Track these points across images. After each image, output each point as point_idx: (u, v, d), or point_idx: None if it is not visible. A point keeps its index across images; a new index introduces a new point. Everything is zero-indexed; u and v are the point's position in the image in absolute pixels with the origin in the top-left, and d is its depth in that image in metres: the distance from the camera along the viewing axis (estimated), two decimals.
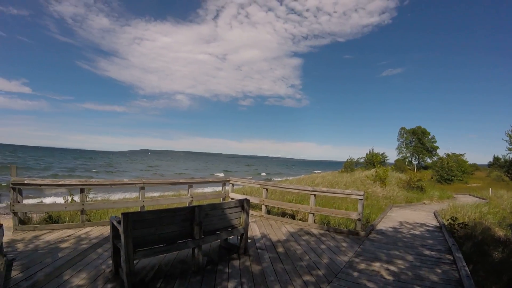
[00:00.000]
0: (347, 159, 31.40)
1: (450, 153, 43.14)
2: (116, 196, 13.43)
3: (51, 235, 5.58)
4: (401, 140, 62.10)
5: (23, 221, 5.96)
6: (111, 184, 6.83)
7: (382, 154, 35.25)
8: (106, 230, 5.94)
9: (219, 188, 9.66)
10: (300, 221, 7.87)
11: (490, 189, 22.29)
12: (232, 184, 9.55)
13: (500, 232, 9.06)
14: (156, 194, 13.53)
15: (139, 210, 6.90)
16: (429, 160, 58.48)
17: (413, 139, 59.98)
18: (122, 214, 3.31)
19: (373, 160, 32.06)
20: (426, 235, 7.47)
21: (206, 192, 13.33)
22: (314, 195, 7.50)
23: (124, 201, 7.61)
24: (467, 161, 43.49)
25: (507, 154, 40.19)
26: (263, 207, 8.33)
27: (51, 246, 4.98)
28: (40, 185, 6.15)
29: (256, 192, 11.33)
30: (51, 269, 3.97)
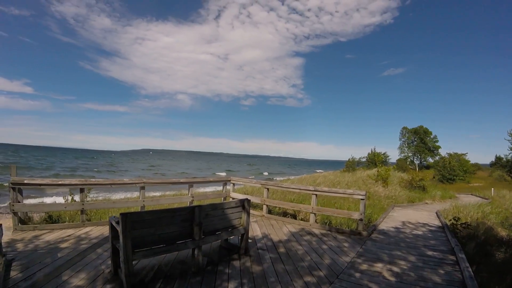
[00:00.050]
0: (349, 159, 31.29)
1: (452, 153, 43.04)
2: (118, 196, 13.45)
3: (51, 235, 5.56)
4: (403, 139, 61.99)
5: (23, 220, 5.95)
6: (111, 184, 6.80)
7: (384, 153, 35.12)
8: (106, 230, 5.91)
9: (220, 188, 9.63)
10: (301, 221, 7.82)
11: (493, 188, 22.17)
12: (233, 184, 9.51)
13: (503, 232, 8.99)
14: (157, 193, 13.49)
15: (139, 210, 6.88)
16: (431, 160, 58.36)
17: (415, 139, 59.82)
18: (120, 214, 3.28)
19: (375, 160, 32.03)
20: (429, 235, 7.41)
21: (207, 192, 13.30)
22: (316, 194, 7.45)
23: (124, 200, 7.58)
24: (469, 161, 43.38)
25: (509, 153, 40.13)
26: (264, 206, 8.29)
27: (50, 246, 4.96)
28: (40, 185, 6.13)
29: (257, 191, 11.29)
30: (50, 269, 3.94)
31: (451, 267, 4.93)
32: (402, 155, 60.50)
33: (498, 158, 46.77)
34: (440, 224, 8.93)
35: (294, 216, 8.59)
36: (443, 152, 53.58)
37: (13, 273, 3.77)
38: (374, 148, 35.30)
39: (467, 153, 43.68)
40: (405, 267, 4.79)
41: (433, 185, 23.12)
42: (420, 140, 58.89)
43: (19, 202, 5.76)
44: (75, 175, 38.46)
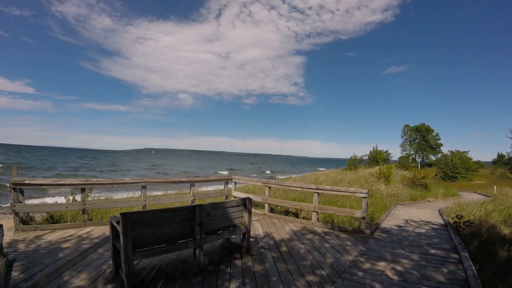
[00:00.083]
0: (351, 157, 31.21)
1: (454, 151, 42.87)
2: (120, 196, 13.47)
3: (53, 235, 5.55)
4: (405, 137, 61.89)
5: (25, 221, 5.95)
6: (112, 184, 6.79)
7: (386, 151, 35.05)
8: (107, 230, 5.88)
9: (222, 187, 9.61)
10: (303, 220, 7.79)
11: (495, 186, 22.07)
12: (235, 183, 9.48)
13: (505, 230, 8.91)
14: (159, 193, 13.50)
15: (141, 209, 6.87)
16: (433, 158, 58.22)
17: (417, 137, 59.67)
18: (120, 214, 3.26)
19: (377, 158, 31.91)
20: (432, 233, 7.36)
21: (209, 191, 13.31)
22: (318, 193, 7.42)
23: (125, 200, 7.56)
24: (471, 159, 43.19)
25: (511, 151, 39.93)
26: (266, 205, 8.26)
27: (52, 246, 4.95)
28: (41, 185, 6.12)
29: (259, 190, 11.27)
30: (51, 269, 3.93)
31: (454, 265, 4.89)
32: (404, 153, 60.44)
33: (500, 156, 46.60)
34: (442, 222, 8.88)
35: (296, 215, 8.56)
36: (445, 149, 53.48)
37: (14, 274, 3.76)
38: (376, 146, 35.19)
39: (469, 150, 43.59)
40: (408, 266, 4.76)
41: (435, 183, 23.06)
42: (422, 138, 58.73)
43: (20, 202, 5.76)
44: (78, 175, 38.60)
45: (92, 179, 7.35)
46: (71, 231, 5.87)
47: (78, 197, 6.56)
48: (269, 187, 8.41)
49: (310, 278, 4.10)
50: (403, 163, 41.04)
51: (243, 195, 8.46)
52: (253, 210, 7.62)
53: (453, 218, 8.05)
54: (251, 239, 5.58)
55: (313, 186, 7.65)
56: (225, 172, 51.46)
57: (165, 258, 4.49)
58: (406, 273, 4.42)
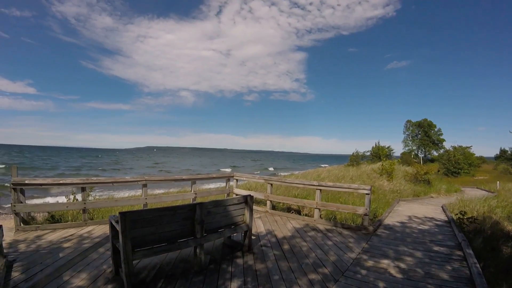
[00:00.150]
0: (353, 153, 31.15)
1: (456, 146, 42.60)
2: (122, 194, 13.45)
3: (53, 235, 5.53)
4: (407, 133, 61.62)
5: (25, 221, 5.93)
6: (112, 182, 6.75)
7: (388, 147, 34.93)
8: (108, 229, 5.86)
9: (223, 184, 9.57)
10: (306, 217, 7.74)
11: (498, 182, 21.89)
12: (236, 180, 9.44)
13: (509, 227, 8.81)
14: (161, 191, 13.48)
15: (141, 207, 6.84)
16: (435, 153, 57.94)
17: (419, 132, 59.42)
18: (119, 213, 3.21)
19: (379, 154, 31.83)
20: (435, 230, 7.30)
21: (211, 188, 13.27)
22: (320, 190, 7.36)
23: (126, 199, 7.52)
24: (474, 154, 42.90)
25: None
26: (268, 202, 8.21)
27: (52, 246, 4.92)
28: (41, 184, 6.09)
29: (261, 187, 11.23)
30: (51, 269, 3.90)
31: (458, 263, 4.83)
32: (407, 148, 60.21)
33: (503, 151, 46.24)
34: (446, 219, 8.81)
35: (298, 212, 8.51)
36: (447, 145, 53.18)
37: (14, 274, 3.73)
38: (378, 142, 35.13)
39: (471, 146, 43.29)
40: (411, 263, 4.70)
41: (438, 179, 22.91)
42: (424, 133, 58.47)
43: (21, 202, 5.73)
44: (80, 174, 38.72)
45: (92, 178, 7.32)
46: (72, 231, 5.85)
47: (79, 197, 6.54)
48: (271, 184, 8.36)
49: (313, 276, 4.05)
50: (405, 158, 40.82)
51: (244, 192, 8.41)
52: (254, 207, 7.59)
53: (457, 214, 7.98)
54: (253, 237, 5.54)
55: (315, 183, 7.59)
56: (228, 169, 51.45)
57: (165, 257, 4.46)
58: (410, 271, 4.37)
